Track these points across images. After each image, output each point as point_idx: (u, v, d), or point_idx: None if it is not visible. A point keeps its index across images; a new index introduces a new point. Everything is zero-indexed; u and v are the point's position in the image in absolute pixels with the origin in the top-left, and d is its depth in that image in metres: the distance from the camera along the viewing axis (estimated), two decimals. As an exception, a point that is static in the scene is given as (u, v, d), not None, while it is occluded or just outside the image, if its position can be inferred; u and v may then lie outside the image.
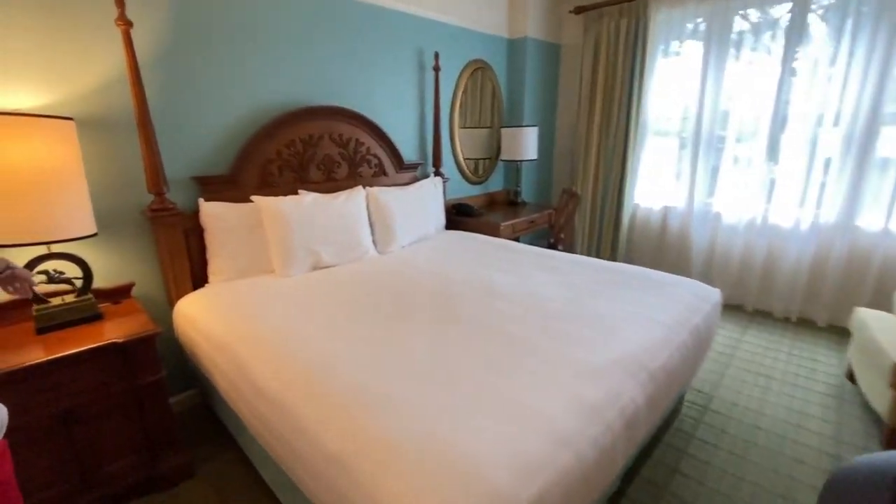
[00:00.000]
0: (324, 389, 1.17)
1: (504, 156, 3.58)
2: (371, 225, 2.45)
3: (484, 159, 3.70)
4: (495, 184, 3.90)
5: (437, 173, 3.08)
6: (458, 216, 3.24)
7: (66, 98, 1.65)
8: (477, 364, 1.29)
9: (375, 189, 2.51)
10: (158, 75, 1.85)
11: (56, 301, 1.56)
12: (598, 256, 3.97)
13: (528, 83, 3.68)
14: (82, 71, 1.67)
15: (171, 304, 1.93)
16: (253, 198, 2.07)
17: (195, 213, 1.97)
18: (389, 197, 2.51)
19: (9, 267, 1.11)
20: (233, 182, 2.11)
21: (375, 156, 2.70)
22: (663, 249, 3.63)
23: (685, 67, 3.31)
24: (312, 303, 1.76)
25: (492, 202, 3.82)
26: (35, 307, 1.51)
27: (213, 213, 1.97)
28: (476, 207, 3.26)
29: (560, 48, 3.97)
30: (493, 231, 3.01)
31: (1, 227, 1.38)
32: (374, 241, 2.45)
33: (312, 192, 2.33)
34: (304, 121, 2.32)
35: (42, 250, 1.52)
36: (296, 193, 2.30)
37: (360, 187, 2.45)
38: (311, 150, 2.38)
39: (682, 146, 3.44)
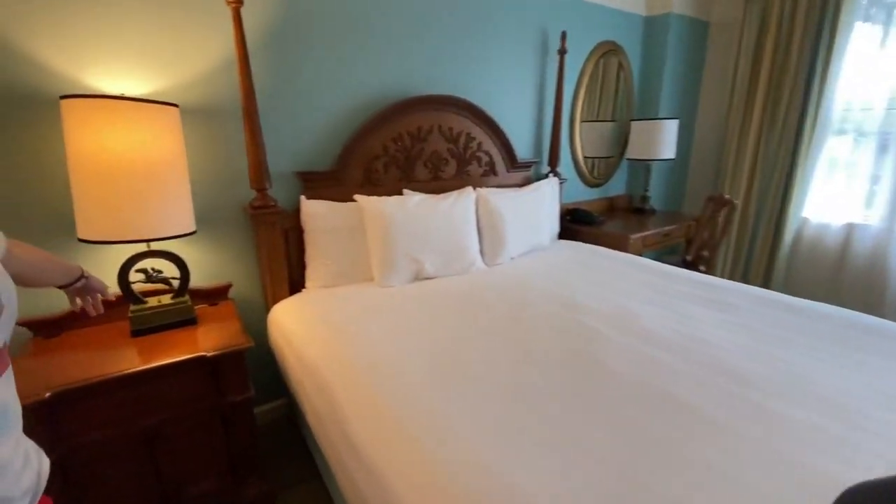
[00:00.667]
0: (434, 470, 0.86)
1: (631, 154, 3.04)
2: (479, 232, 2.13)
3: (605, 158, 3.19)
4: (616, 187, 3.36)
5: (554, 173, 2.66)
6: (574, 223, 2.80)
7: (172, 85, 1.54)
8: (634, 446, 0.89)
9: (486, 191, 2.18)
10: (263, 62, 1.70)
11: (153, 302, 1.46)
12: (744, 282, 3.24)
13: (668, 68, 3.08)
14: (188, 57, 1.56)
15: (268, 307, 1.79)
16: (356, 197, 1.86)
17: (295, 211, 1.81)
18: (502, 200, 2.16)
19: (83, 276, 0.96)
20: (336, 179, 1.92)
21: (487, 153, 2.37)
22: (842, 280, 2.81)
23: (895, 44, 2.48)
24: (414, 325, 1.47)
25: (611, 208, 3.29)
26: (131, 307, 1.42)
27: (315, 213, 1.79)
28: (596, 214, 2.79)
29: (709, 26, 3.29)
30: (617, 244, 2.52)
31: (107, 222, 1.28)
32: (481, 251, 2.12)
33: (418, 193, 2.08)
34: (413, 112, 2.06)
35: (141, 248, 1.42)
36: (400, 193, 2.06)
37: (470, 188, 2.14)
38: (419, 145, 2.11)
39: (883, 148, 2.61)
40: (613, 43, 2.92)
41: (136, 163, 1.28)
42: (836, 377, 1.15)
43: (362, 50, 1.92)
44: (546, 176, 2.64)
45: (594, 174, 3.15)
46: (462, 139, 2.26)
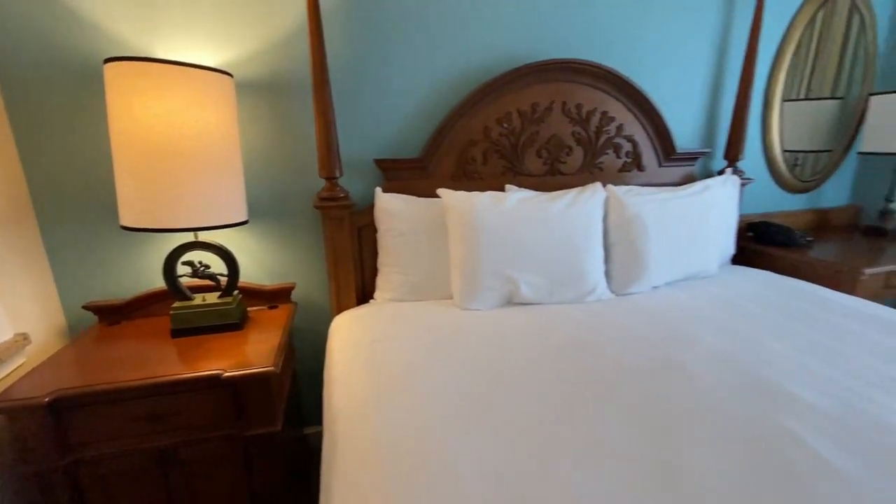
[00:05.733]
0: None
1: (868, 145, 2.02)
2: (607, 248, 1.54)
3: (818, 152, 2.20)
4: (834, 194, 2.31)
5: (733, 170, 1.88)
6: (760, 244, 1.95)
7: (236, 56, 1.36)
8: None
9: (621, 189, 1.57)
10: (341, 27, 1.43)
11: (198, 299, 1.29)
12: None
13: (951, 11, 1.97)
14: (256, 22, 1.35)
15: (334, 316, 1.52)
16: (439, 191, 1.47)
17: (372, 207, 1.50)
18: (645, 203, 1.53)
19: None
20: (423, 169, 1.56)
21: (629, 138, 1.75)
22: None
23: None
24: (494, 377, 1.01)
25: (823, 226, 2.28)
26: (174, 304, 1.26)
27: (390, 209, 1.45)
28: (799, 231, 1.89)
29: None
30: (835, 280, 1.63)
31: (148, 207, 1.12)
32: (607, 274, 1.53)
33: (526, 190, 1.59)
34: (527, 85, 1.58)
35: (188, 237, 1.26)
36: (502, 189, 1.60)
37: (598, 185, 1.56)
38: (532, 127, 1.62)
39: None
40: (850, -20, 1.96)
41: (181, 138, 1.10)
42: None
43: (464, 8, 1.52)
44: (719, 173, 1.88)
45: (799, 174, 2.20)
46: (594, 120, 1.68)
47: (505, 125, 1.59)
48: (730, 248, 1.84)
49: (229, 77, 1.20)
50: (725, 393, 0.94)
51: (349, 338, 1.26)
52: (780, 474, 0.72)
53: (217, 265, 1.31)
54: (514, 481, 0.70)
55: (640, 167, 1.79)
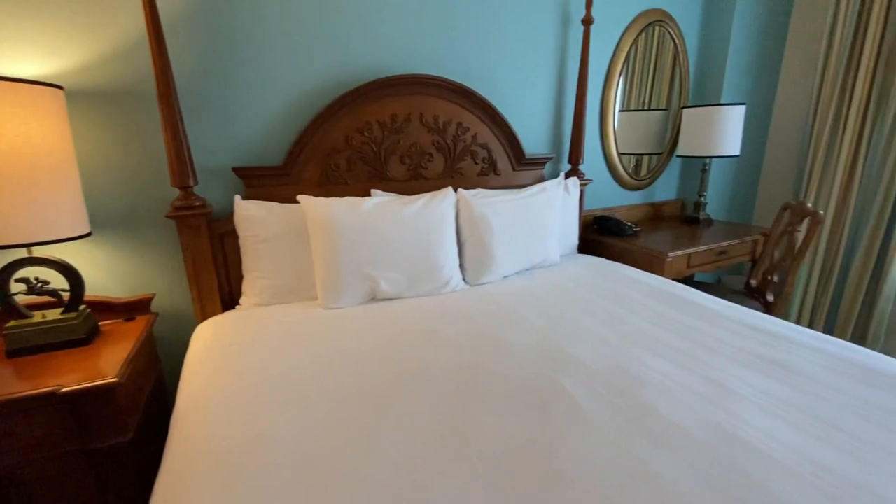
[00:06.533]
0: None
1: (683, 150, 2.45)
2: (460, 244, 1.73)
3: (651, 155, 2.62)
4: (664, 191, 2.77)
5: (574, 172, 2.18)
6: (601, 234, 2.29)
7: (69, 67, 1.32)
8: None
9: (470, 193, 1.77)
10: (190, 37, 1.44)
11: (37, 317, 1.24)
12: (829, 325, 2.52)
13: (735, 41, 2.46)
14: (90, 34, 1.32)
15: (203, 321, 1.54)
16: (299, 197, 1.54)
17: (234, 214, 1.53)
18: (490, 204, 1.74)
19: None
20: (286, 176, 1.62)
21: (484, 146, 1.96)
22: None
23: None
24: (333, 368, 1.12)
25: (656, 217, 2.71)
26: (9, 323, 1.21)
27: (251, 216, 1.50)
28: (630, 224, 2.26)
29: (796, -13, 2.59)
30: (653, 262, 1.99)
31: None
32: (462, 267, 1.72)
33: (389, 193, 1.73)
34: (385, 97, 1.71)
35: (22, 253, 1.21)
36: (369, 194, 1.72)
37: (449, 189, 1.74)
38: (393, 136, 1.76)
39: None
40: (661, 11, 2.36)
41: (8, 154, 1.06)
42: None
43: (325, 16, 1.60)
44: (566, 175, 2.16)
45: (638, 174, 2.60)
46: (451, 130, 1.86)
47: (366, 134, 1.71)
48: (574, 238, 2.14)
49: (58, 89, 1.17)
50: (529, 361, 1.15)
51: (205, 344, 1.30)
52: (544, 421, 0.92)
53: (59, 281, 1.27)
54: (325, 467, 0.80)
55: (496, 171, 2.02)
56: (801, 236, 2.03)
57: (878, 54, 2.18)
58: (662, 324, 1.38)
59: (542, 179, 2.15)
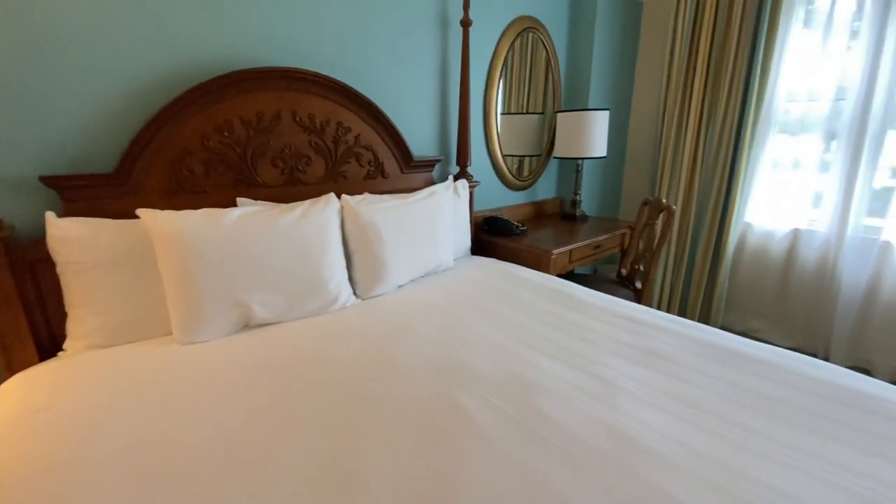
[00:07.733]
0: None
1: (559, 152, 2.61)
2: (348, 255, 1.59)
3: (531, 156, 2.74)
4: (545, 190, 2.93)
5: (463, 174, 2.17)
6: (491, 235, 2.32)
7: None
8: None
9: (355, 199, 1.64)
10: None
11: None
12: (683, 305, 2.91)
13: (598, 51, 2.69)
14: None
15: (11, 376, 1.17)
16: (139, 211, 1.26)
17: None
18: (378, 211, 1.63)
19: None
20: (120, 185, 1.32)
21: (369, 147, 1.84)
22: (788, 295, 2.52)
23: (842, 32, 2.20)
24: (186, 419, 0.92)
25: (539, 215, 2.86)
26: None
27: (71, 237, 1.18)
28: (517, 223, 2.33)
29: (641, 6, 2.92)
30: (539, 260, 2.06)
31: None
32: (352, 280, 1.59)
33: (260, 202, 1.51)
34: (247, 91, 1.49)
35: None
36: (234, 203, 1.49)
37: (332, 195, 1.59)
38: (262, 136, 1.55)
39: (830, 144, 2.33)
40: (533, 19, 2.47)
41: None
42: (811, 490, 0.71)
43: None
44: (455, 178, 2.14)
45: (521, 175, 2.70)
46: (330, 130, 1.71)
47: (227, 134, 1.47)
48: (466, 241, 2.14)
49: None
50: (424, 379, 1.07)
51: (7, 411, 0.98)
52: (439, 445, 0.84)
53: None
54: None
55: (384, 174, 1.91)
56: (659, 228, 2.29)
57: (707, 71, 2.55)
58: (553, 322, 1.41)
59: (432, 182, 2.10)
